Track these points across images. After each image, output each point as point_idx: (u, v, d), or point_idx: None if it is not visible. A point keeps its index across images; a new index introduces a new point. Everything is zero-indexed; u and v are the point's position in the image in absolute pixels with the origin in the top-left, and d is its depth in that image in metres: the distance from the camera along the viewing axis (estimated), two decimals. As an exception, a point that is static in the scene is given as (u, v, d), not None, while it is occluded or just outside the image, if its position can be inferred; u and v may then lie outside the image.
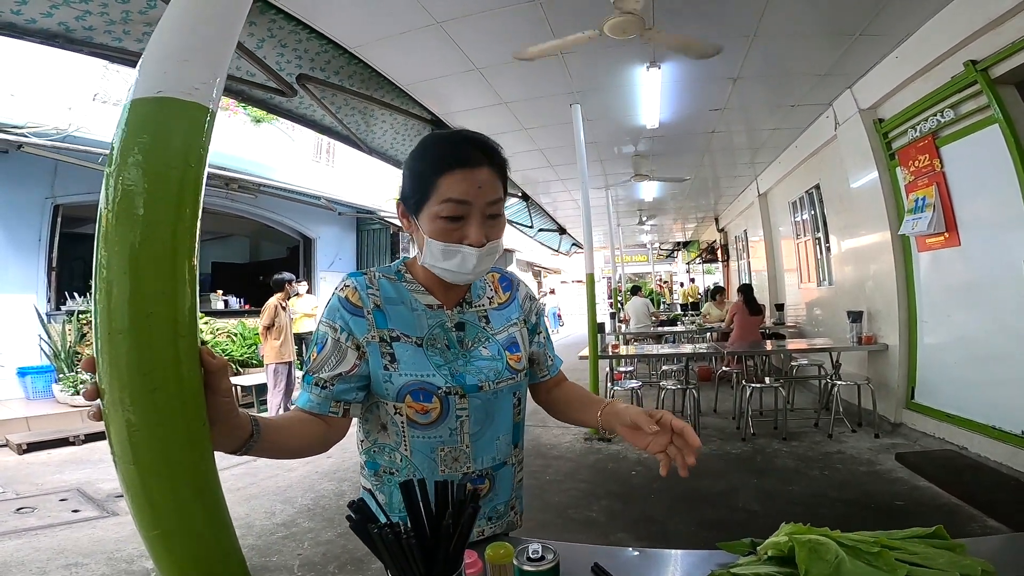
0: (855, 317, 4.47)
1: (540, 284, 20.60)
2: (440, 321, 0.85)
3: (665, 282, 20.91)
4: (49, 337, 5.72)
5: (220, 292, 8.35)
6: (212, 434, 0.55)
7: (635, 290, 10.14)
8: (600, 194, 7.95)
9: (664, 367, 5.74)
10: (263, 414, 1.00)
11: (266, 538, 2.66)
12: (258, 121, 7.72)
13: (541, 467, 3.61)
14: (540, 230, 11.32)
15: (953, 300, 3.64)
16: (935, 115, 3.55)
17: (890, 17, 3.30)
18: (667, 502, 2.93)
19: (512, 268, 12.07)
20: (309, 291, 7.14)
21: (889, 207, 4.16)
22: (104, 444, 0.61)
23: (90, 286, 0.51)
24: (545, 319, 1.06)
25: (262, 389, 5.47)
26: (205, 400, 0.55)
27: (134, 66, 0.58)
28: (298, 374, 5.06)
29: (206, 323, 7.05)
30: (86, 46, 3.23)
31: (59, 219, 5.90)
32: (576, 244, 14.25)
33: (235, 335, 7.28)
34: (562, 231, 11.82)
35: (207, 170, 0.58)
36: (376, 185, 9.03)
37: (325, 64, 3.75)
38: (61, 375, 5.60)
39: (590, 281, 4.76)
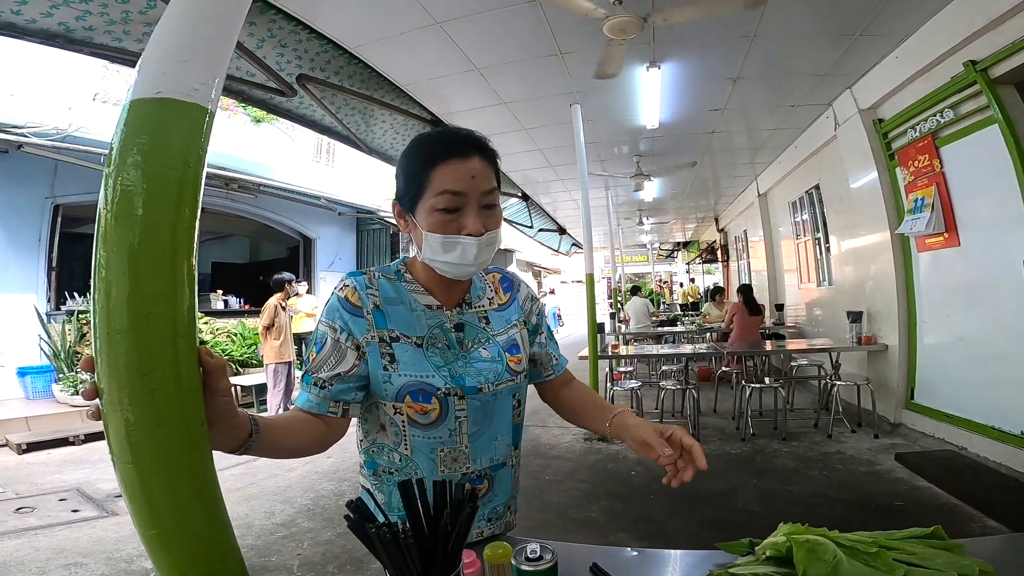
0: (855, 317, 4.47)
1: (540, 284, 20.59)
2: (439, 321, 0.85)
3: (665, 282, 20.92)
4: (49, 337, 5.72)
5: (220, 292, 8.35)
6: (211, 434, 0.55)
7: (635, 290, 10.15)
8: (600, 194, 7.95)
9: (664, 367, 5.74)
10: (263, 414, 1.00)
11: (265, 538, 2.66)
12: (258, 121, 7.72)
13: (541, 467, 3.61)
14: (540, 230, 11.32)
15: (953, 300, 3.64)
16: (935, 115, 3.55)
17: (890, 17, 3.30)
18: (667, 502, 2.94)
19: (512, 268, 12.06)
20: (309, 291, 7.14)
21: (889, 207, 4.16)
22: (104, 444, 0.61)
23: (90, 286, 0.51)
24: (547, 319, 1.05)
25: (262, 389, 5.47)
26: (204, 400, 0.55)
27: (134, 66, 0.58)
28: (298, 374, 5.06)
29: (206, 323, 7.05)
30: (86, 46, 3.23)
31: (59, 219, 5.90)
32: (576, 244, 14.25)
33: (235, 335, 7.28)
34: (562, 231, 11.82)
35: (207, 170, 0.58)
36: (376, 185, 9.03)
37: (325, 64, 3.75)
38: (61, 375, 5.60)
39: (590, 281, 4.76)
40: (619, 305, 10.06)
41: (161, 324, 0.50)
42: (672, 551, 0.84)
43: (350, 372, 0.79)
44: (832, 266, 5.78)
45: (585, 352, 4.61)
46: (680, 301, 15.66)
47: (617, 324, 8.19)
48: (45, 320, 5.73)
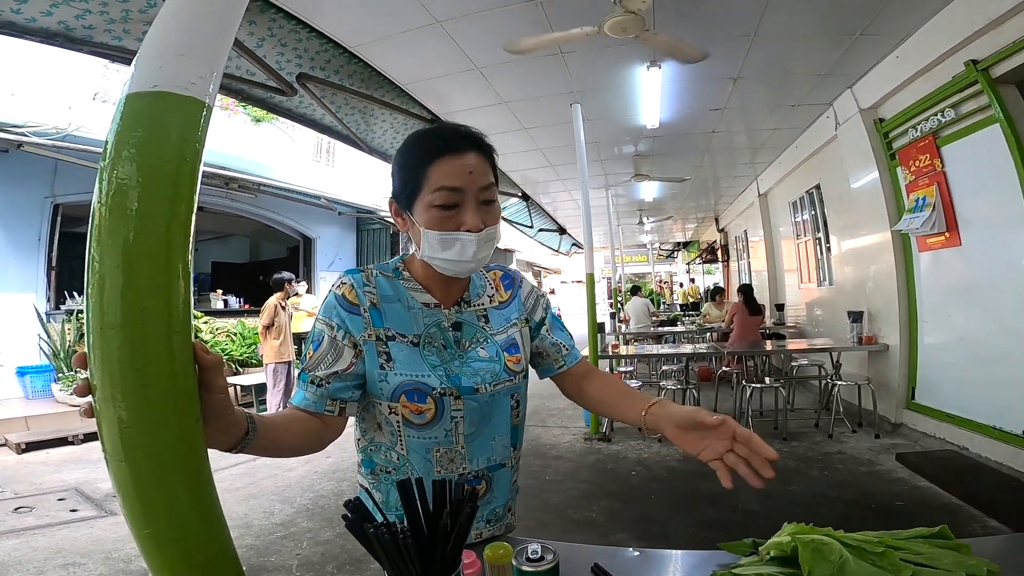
0: (855, 317, 4.46)
1: (540, 284, 20.59)
2: (437, 320, 0.84)
3: (665, 282, 20.91)
4: (48, 336, 5.71)
5: (220, 292, 8.34)
6: (206, 432, 0.55)
7: (635, 290, 10.14)
8: (600, 194, 7.95)
9: (664, 367, 5.73)
10: (261, 413, 0.99)
11: (264, 538, 2.65)
12: (258, 121, 7.72)
13: (541, 467, 3.61)
14: (540, 230, 11.32)
15: (954, 300, 3.63)
16: (936, 115, 3.55)
17: (890, 17, 3.29)
18: (667, 502, 2.93)
19: (512, 268, 12.03)
20: (309, 291, 7.14)
21: (890, 207, 4.15)
22: (101, 443, 0.60)
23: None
24: (555, 310, 1.02)
25: (261, 389, 5.47)
26: (199, 397, 0.54)
27: (134, 65, 0.58)
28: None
29: (206, 323, 7.04)
30: (86, 45, 3.22)
31: (59, 218, 5.89)
32: (576, 244, 14.25)
33: (235, 335, 7.27)
34: (562, 231, 11.82)
35: (207, 169, 0.57)
36: (376, 185, 9.02)
37: (325, 63, 3.74)
38: (60, 374, 5.59)
39: (590, 281, 4.75)
40: (619, 305, 10.06)
41: (155, 319, 0.49)
42: (674, 551, 0.83)
43: (347, 370, 0.78)
44: (833, 266, 5.78)
45: (585, 352, 4.60)
46: (680, 301, 15.67)
47: (617, 324, 8.19)
48: (44, 319, 5.72)
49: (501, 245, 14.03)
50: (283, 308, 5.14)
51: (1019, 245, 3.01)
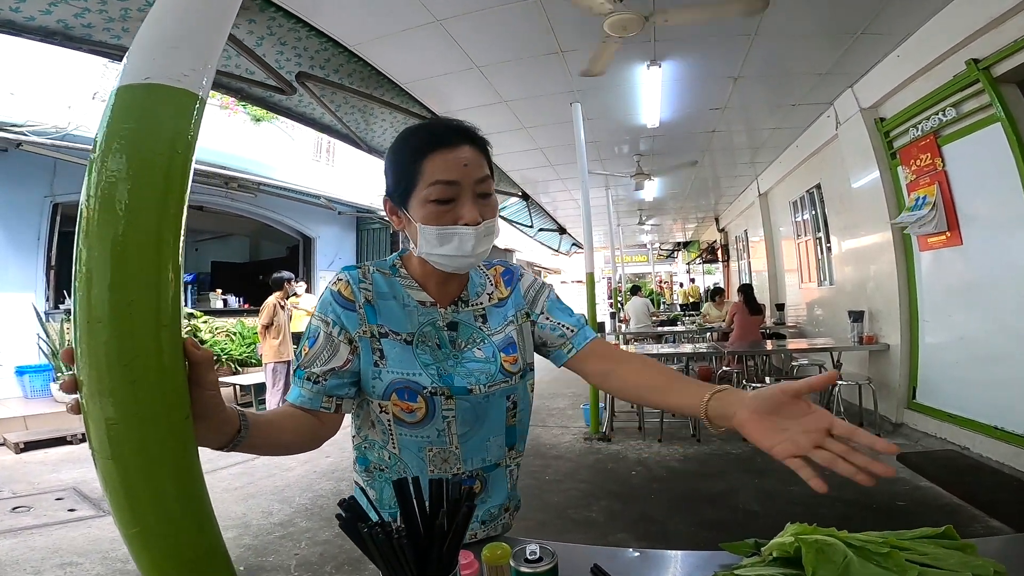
0: (856, 317, 4.45)
1: (540, 283, 20.58)
2: (432, 319, 0.83)
3: (665, 282, 20.91)
4: (47, 336, 5.70)
5: (219, 291, 8.34)
6: (197, 429, 0.53)
7: (635, 290, 10.14)
8: (600, 194, 7.94)
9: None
10: (254, 411, 0.97)
11: (263, 538, 2.64)
12: (258, 120, 7.71)
13: (540, 467, 3.60)
14: (540, 230, 11.31)
15: (955, 299, 3.62)
16: (937, 114, 3.54)
17: (891, 16, 3.28)
18: (667, 502, 2.92)
19: (512, 268, 12.01)
20: (308, 291, 7.14)
21: (890, 206, 4.14)
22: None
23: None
24: (558, 296, 0.95)
25: (261, 388, 5.46)
26: (190, 393, 0.53)
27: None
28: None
29: (205, 322, 7.03)
30: (85, 44, 3.22)
31: (58, 218, 5.89)
32: (576, 244, 14.24)
33: (234, 334, 7.27)
34: (562, 231, 11.81)
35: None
36: (376, 184, 9.02)
37: (324, 62, 3.73)
38: (59, 374, 5.58)
39: (590, 281, 4.75)
40: (619, 305, 10.05)
41: (144, 313, 0.48)
42: (675, 552, 0.82)
43: (344, 367, 0.77)
44: (833, 266, 5.77)
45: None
46: (680, 301, 15.66)
47: (617, 324, 8.20)
48: (44, 319, 5.71)
49: (501, 245, 14.03)
50: (282, 307, 5.13)
51: (1020, 245, 3.00)
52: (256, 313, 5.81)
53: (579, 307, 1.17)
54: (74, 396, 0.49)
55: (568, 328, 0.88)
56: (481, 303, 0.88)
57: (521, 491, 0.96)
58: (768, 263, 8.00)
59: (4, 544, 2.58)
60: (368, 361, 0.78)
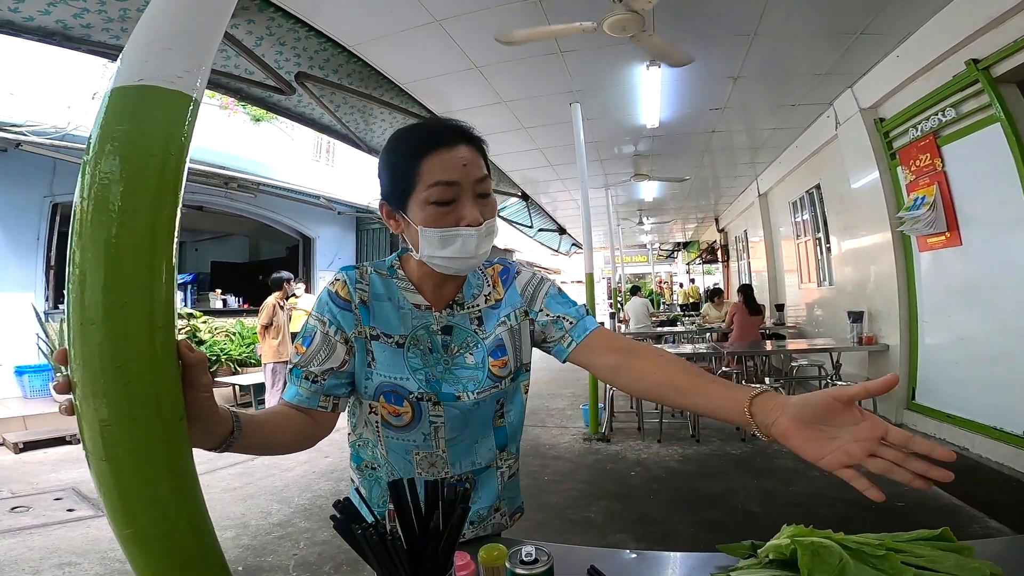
0: (855, 317, 4.45)
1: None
2: (425, 323, 0.82)
3: (665, 283, 20.90)
4: (47, 336, 5.70)
5: (219, 291, 8.33)
6: (190, 431, 0.53)
7: (635, 290, 10.13)
8: (600, 194, 7.94)
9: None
10: (248, 412, 0.97)
11: (262, 538, 2.64)
12: (257, 120, 7.71)
13: (539, 467, 3.59)
14: (540, 230, 11.31)
15: (954, 300, 3.62)
16: (936, 114, 3.53)
17: (891, 16, 3.28)
18: (666, 503, 2.91)
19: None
20: (307, 291, 7.13)
21: (890, 207, 4.14)
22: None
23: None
24: (557, 290, 0.90)
25: (260, 388, 5.46)
26: (183, 395, 0.53)
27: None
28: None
29: (204, 322, 7.03)
30: (84, 44, 3.22)
31: (58, 218, 5.88)
32: (576, 244, 14.24)
33: (234, 334, 7.26)
34: (562, 231, 11.81)
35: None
36: (375, 184, 9.01)
37: (324, 62, 3.73)
38: (58, 374, 5.58)
39: (590, 281, 4.74)
40: (619, 305, 10.05)
41: (137, 314, 0.48)
42: (672, 553, 0.82)
43: (342, 368, 0.77)
44: (833, 266, 5.77)
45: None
46: (680, 301, 15.66)
47: (617, 324, 8.19)
48: (43, 319, 5.71)
49: (501, 244, 14.02)
50: (282, 308, 5.13)
51: (1020, 245, 2.99)
52: (255, 313, 5.81)
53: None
54: (67, 397, 0.49)
55: (568, 320, 0.83)
56: (477, 305, 0.86)
57: (520, 491, 0.96)
58: (768, 263, 8.00)
59: (3, 544, 2.58)
60: (362, 362, 0.78)
